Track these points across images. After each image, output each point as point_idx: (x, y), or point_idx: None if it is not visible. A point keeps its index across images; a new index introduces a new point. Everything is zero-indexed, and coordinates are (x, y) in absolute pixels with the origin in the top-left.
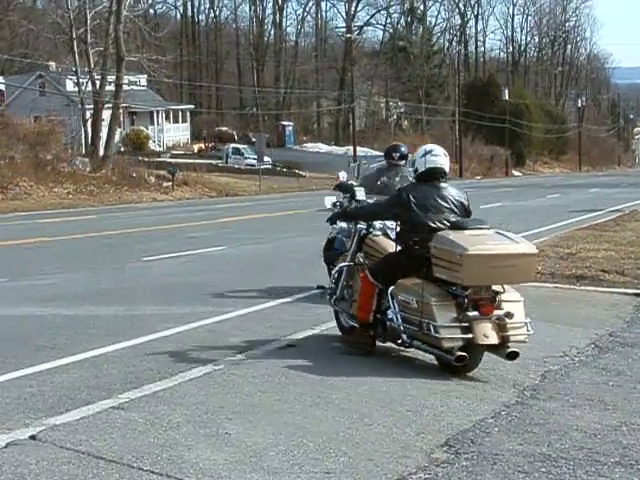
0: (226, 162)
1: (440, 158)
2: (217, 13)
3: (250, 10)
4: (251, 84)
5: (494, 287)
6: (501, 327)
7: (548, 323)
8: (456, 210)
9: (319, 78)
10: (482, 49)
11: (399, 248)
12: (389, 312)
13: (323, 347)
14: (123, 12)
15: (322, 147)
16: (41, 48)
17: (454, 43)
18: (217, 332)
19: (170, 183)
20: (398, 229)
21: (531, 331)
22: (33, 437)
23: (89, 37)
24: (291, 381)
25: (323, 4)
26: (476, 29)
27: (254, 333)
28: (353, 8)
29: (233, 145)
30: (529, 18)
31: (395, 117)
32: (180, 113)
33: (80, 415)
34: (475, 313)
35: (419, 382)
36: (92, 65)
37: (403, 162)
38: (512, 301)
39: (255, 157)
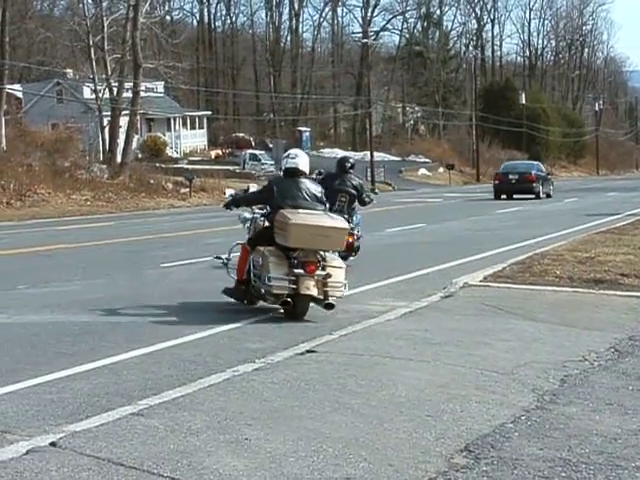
0: (243, 168)
1: (297, 159)
2: (233, 19)
3: (266, 16)
4: (268, 90)
5: (321, 253)
6: (323, 284)
7: (567, 327)
8: (308, 198)
9: (336, 83)
10: (499, 53)
11: (267, 224)
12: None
13: (342, 352)
14: (140, 19)
15: (339, 152)
16: (58, 55)
17: (471, 47)
18: (236, 338)
19: (187, 189)
20: (267, 211)
21: (346, 292)
22: (53, 444)
23: (106, 44)
24: (310, 387)
25: (339, 10)
26: (492, 33)
27: (273, 339)
28: (369, 13)
29: (250, 151)
30: (546, 22)
31: (412, 122)
32: (197, 119)
33: (100, 422)
34: (301, 271)
35: (438, 387)
36: (109, 72)
37: (352, 170)
38: (335, 266)
39: (272, 163)
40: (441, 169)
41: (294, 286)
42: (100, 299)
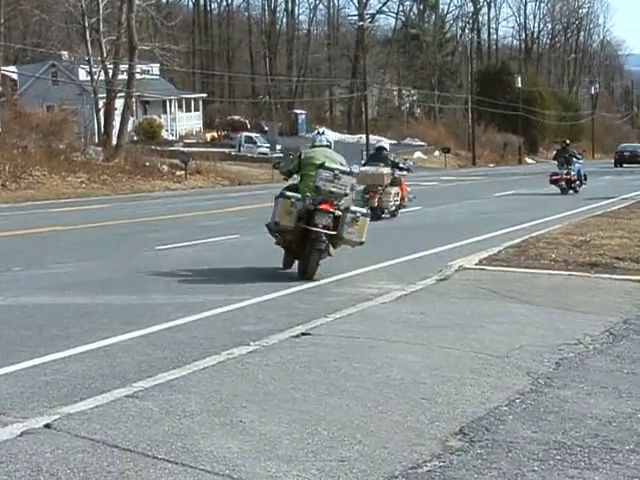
0: (239, 151)
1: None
2: (229, 1)
3: None
4: (263, 72)
5: None
6: None
7: (562, 311)
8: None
9: (331, 66)
10: (495, 37)
11: None
12: None
13: (337, 335)
14: (135, 1)
15: (334, 135)
16: (53, 37)
17: (467, 31)
18: (231, 320)
19: (183, 172)
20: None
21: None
22: (48, 426)
23: (101, 26)
24: (305, 369)
25: None
26: (489, 16)
27: (268, 321)
28: None
29: (246, 134)
30: (542, 5)
31: (408, 105)
32: (192, 102)
33: (94, 404)
34: None
35: (433, 370)
36: (104, 54)
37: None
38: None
39: (268, 145)
40: (437, 152)
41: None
42: (95, 281)
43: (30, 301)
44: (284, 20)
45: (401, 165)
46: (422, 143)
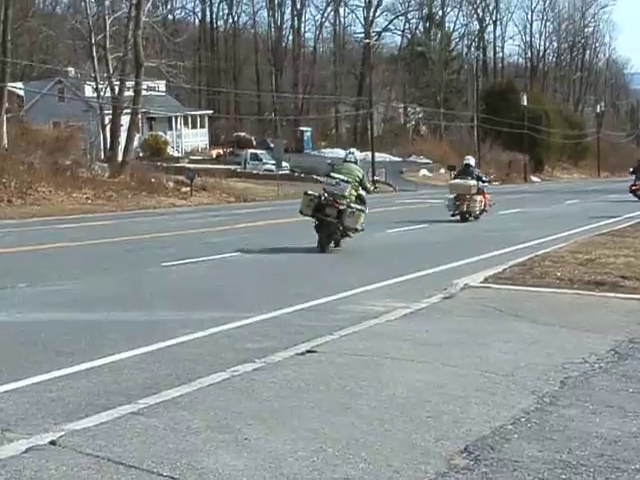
0: (244, 167)
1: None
2: (235, 19)
3: (268, 16)
4: (269, 89)
5: None
6: None
7: (567, 329)
8: None
9: (337, 84)
10: (500, 55)
11: None
12: None
13: (342, 353)
14: (142, 18)
15: (340, 152)
16: (60, 54)
17: (472, 49)
18: (236, 338)
19: (188, 188)
20: None
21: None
22: (53, 442)
23: (108, 43)
24: (310, 387)
25: (341, 10)
26: (494, 35)
27: (273, 339)
28: (371, 14)
29: (251, 150)
30: (548, 24)
31: (413, 123)
32: (198, 118)
33: (100, 420)
34: None
35: (438, 389)
36: (111, 71)
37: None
38: None
39: (273, 162)
40: (442, 170)
41: None
42: (100, 297)
43: (35, 317)
44: (290, 37)
45: (483, 178)
46: (428, 161)
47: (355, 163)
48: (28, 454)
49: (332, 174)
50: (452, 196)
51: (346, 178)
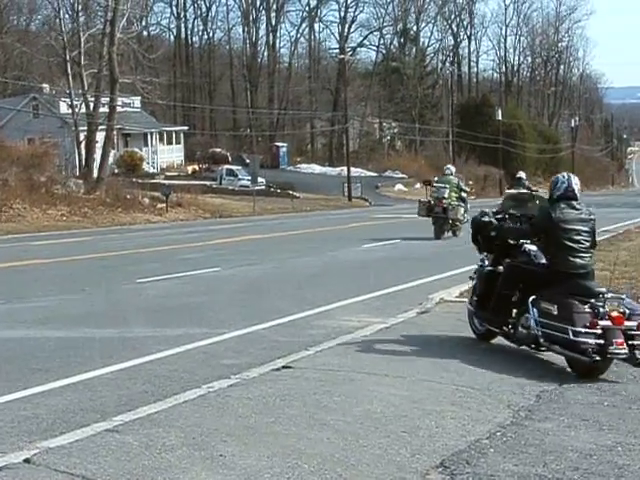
0: (220, 183)
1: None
2: (210, 35)
3: (243, 32)
4: (245, 105)
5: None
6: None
7: None
8: None
9: (313, 99)
10: (475, 70)
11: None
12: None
13: (317, 368)
14: (117, 34)
15: (316, 168)
16: (35, 70)
17: (447, 64)
18: (211, 354)
19: (164, 205)
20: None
21: None
22: (27, 460)
23: (83, 59)
24: (286, 403)
25: (316, 25)
26: (469, 50)
27: (248, 355)
28: (346, 29)
29: (227, 166)
30: (522, 39)
31: (389, 138)
32: (174, 134)
33: (74, 438)
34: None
35: (413, 403)
36: (86, 87)
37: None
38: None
39: (249, 178)
40: (418, 185)
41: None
42: (75, 315)
43: (10, 335)
44: (265, 53)
45: (532, 188)
46: (403, 175)
47: (451, 174)
48: (2, 472)
49: (435, 184)
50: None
51: (444, 185)
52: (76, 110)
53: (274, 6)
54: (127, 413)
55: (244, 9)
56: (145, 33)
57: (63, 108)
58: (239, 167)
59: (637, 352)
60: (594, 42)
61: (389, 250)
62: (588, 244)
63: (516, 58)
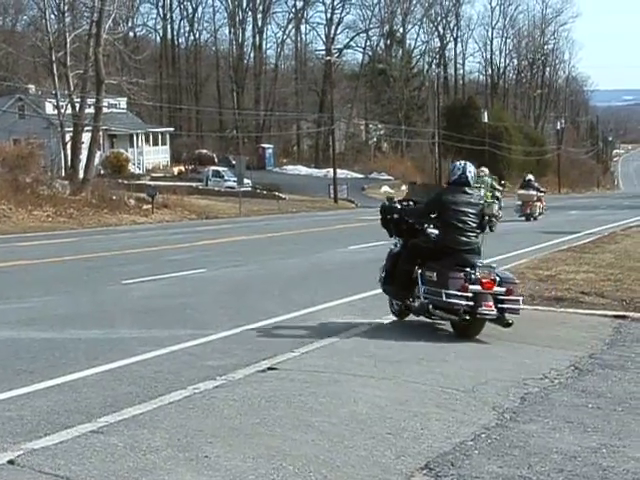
0: (206, 185)
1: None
2: (197, 36)
3: (230, 33)
4: (231, 107)
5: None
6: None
7: (528, 345)
8: None
9: (299, 100)
10: (461, 72)
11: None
12: None
13: (302, 370)
14: (103, 35)
15: (302, 169)
16: (20, 71)
17: (433, 66)
18: (197, 355)
19: (150, 206)
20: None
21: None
22: (11, 462)
23: (69, 60)
24: (271, 404)
25: (303, 27)
26: (455, 52)
27: (234, 356)
28: (333, 31)
29: (213, 168)
30: (508, 41)
31: (375, 139)
32: (160, 136)
33: (59, 439)
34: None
35: (399, 405)
36: (72, 88)
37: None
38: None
39: (235, 179)
40: (404, 186)
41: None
42: (60, 315)
43: None
44: (252, 55)
45: (541, 189)
46: (389, 177)
47: (485, 176)
48: None
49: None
50: (519, 203)
51: (479, 185)
52: (62, 111)
53: (260, 7)
54: (112, 414)
55: (230, 10)
56: (131, 34)
57: (49, 109)
58: (225, 168)
59: (506, 314)
60: (580, 45)
61: (375, 252)
62: (474, 225)
63: (502, 60)
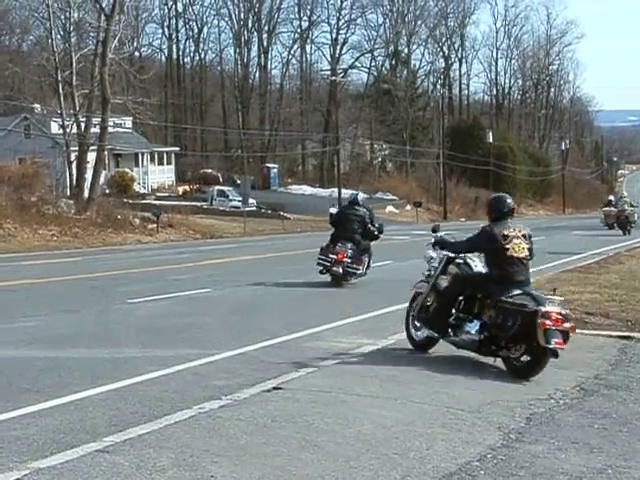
0: (211, 204)
1: None
2: (202, 56)
3: (235, 53)
4: (236, 126)
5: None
6: None
7: None
8: None
9: (304, 120)
10: (466, 92)
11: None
12: None
13: (308, 390)
14: (108, 55)
15: (307, 189)
16: (26, 90)
17: (438, 86)
18: (202, 375)
19: (155, 225)
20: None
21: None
22: None
23: (74, 79)
24: (277, 424)
25: (308, 47)
26: (460, 72)
27: (239, 376)
28: (338, 51)
29: (218, 187)
30: (513, 61)
31: (380, 159)
32: (165, 155)
33: (65, 458)
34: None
35: (404, 425)
36: (77, 107)
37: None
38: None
39: (240, 199)
40: (408, 207)
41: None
42: (66, 335)
43: (0, 355)
44: (257, 74)
45: (633, 204)
46: (394, 197)
47: (626, 197)
48: None
49: (618, 202)
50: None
51: (623, 203)
52: (67, 130)
53: (266, 28)
54: (118, 434)
55: (236, 30)
56: (137, 54)
57: (54, 128)
58: (230, 188)
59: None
60: (584, 65)
61: (379, 272)
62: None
63: (507, 81)
